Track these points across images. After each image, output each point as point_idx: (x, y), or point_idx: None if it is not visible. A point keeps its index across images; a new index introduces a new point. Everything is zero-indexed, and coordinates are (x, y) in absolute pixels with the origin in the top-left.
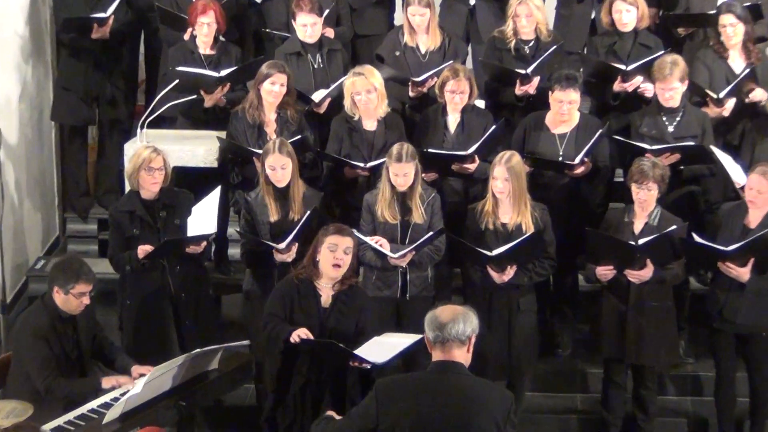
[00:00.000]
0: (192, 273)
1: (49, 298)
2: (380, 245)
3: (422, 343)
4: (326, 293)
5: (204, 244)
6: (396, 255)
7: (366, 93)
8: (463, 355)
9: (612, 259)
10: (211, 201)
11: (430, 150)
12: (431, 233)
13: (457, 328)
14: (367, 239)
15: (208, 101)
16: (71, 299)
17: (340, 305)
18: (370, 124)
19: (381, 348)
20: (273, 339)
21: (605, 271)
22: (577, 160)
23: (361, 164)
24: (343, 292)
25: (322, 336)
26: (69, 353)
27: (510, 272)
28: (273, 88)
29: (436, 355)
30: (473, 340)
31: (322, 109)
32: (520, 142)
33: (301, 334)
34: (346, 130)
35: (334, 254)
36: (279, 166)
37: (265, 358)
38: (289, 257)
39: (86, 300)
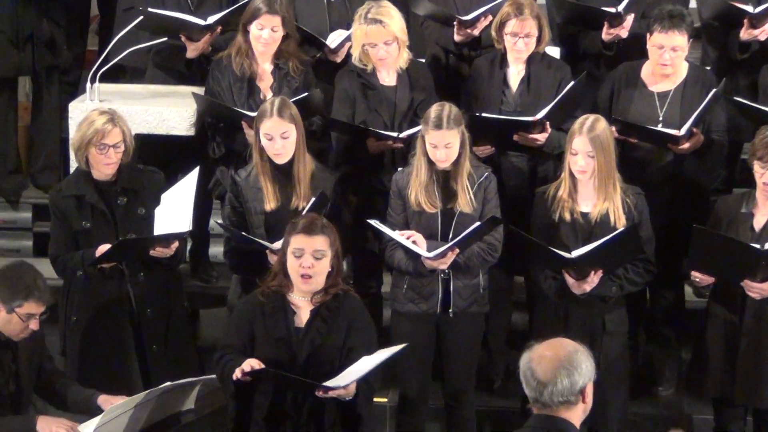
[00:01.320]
0: (160, 281)
1: None
2: (413, 242)
3: (400, 353)
4: (304, 309)
5: (175, 244)
6: (432, 254)
7: (384, 45)
8: (574, 414)
9: (725, 266)
10: (187, 187)
11: (483, 114)
12: (479, 223)
13: (562, 388)
14: (396, 234)
15: (192, 51)
16: (14, 320)
17: (319, 323)
18: (387, 78)
19: (355, 369)
20: (225, 380)
21: (702, 276)
22: (683, 131)
23: (394, 133)
24: (325, 306)
25: (293, 366)
26: (1, 387)
27: (594, 279)
28: (261, 33)
29: (537, 408)
30: (589, 389)
31: (340, 57)
32: (608, 103)
33: (245, 367)
34: (359, 88)
35: (299, 261)
36: (278, 135)
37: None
38: None
39: (34, 325)
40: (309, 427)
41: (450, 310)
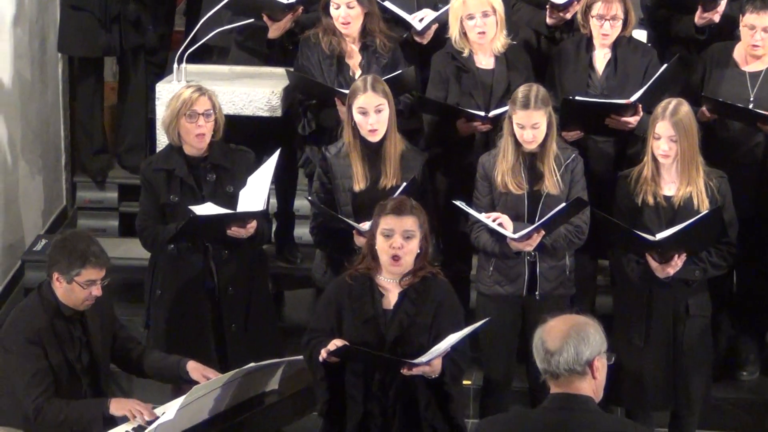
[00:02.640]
0: (245, 261)
1: (48, 289)
2: (500, 224)
3: (482, 327)
4: (392, 291)
5: (252, 225)
6: (517, 235)
7: (482, 17)
8: (588, 387)
9: None
10: (268, 168)
11: (577, 98)
12: (564, 205)
13: (567, 357)
14: (482, 216)
15: (274, 31)
16: (76, 289)
17: (407, 305)
18: (485, 61)
19: (439, 347)
20: (314, 363)
21: None
22: None
23: (481, 112)
24: (413, 288)
25: (381, 349)
26: (74, 362)
27: (678, 263)
28: (338, 13)
29: (554, 387)
30: (599, 363)
31: (426, 39)
32: (700, 83)
33: (330, 346)
34: (453, 71)
35: (389, 242)
36: (373, 109)
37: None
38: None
39: (96, 291)
40: (398, 407)
41: (536, 293)
